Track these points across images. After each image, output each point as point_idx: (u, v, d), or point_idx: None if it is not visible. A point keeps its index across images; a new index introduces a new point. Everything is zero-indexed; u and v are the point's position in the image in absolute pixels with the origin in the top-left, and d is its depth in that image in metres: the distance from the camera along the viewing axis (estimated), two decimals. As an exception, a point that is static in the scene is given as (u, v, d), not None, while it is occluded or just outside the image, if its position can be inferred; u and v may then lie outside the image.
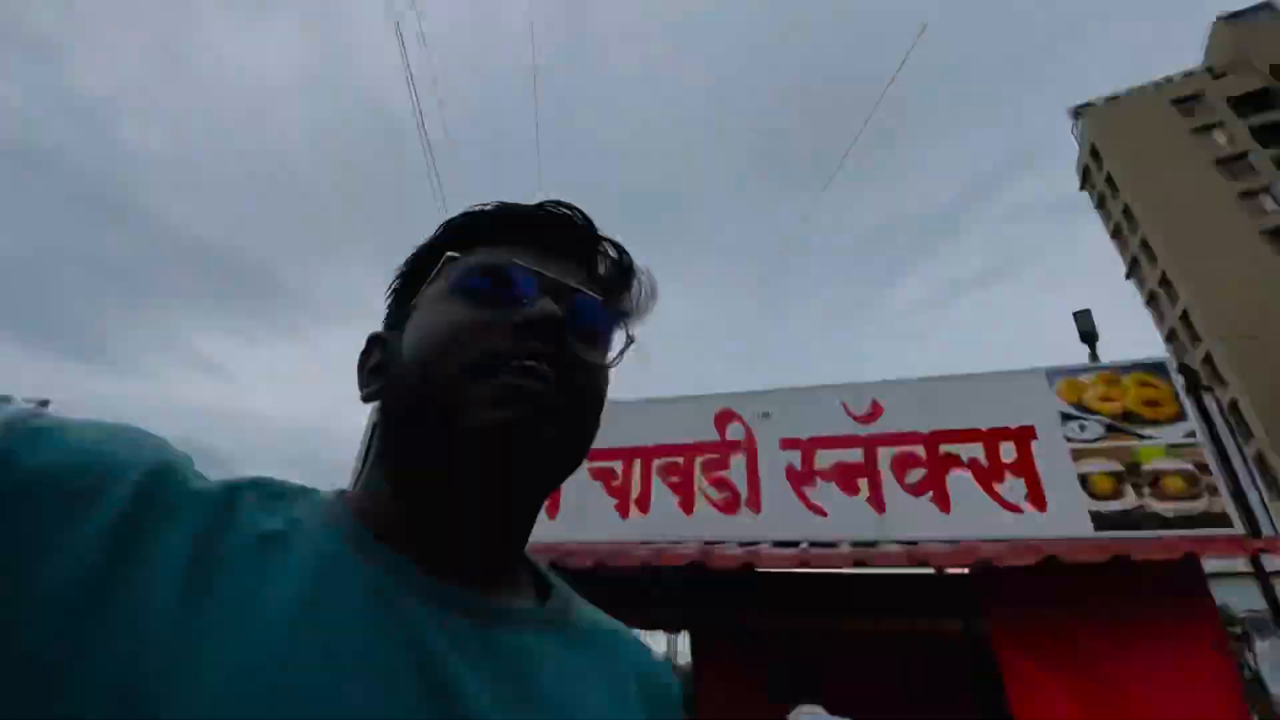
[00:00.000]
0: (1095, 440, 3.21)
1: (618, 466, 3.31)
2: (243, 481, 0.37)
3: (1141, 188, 32.70)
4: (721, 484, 3.24)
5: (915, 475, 3.21)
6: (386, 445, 0.41)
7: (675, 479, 3.28)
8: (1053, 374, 3.44)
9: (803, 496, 3.14)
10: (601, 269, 0.48)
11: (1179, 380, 3.23)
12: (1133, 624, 2.55)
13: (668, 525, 3.13)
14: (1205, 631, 2.51)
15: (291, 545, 0.34)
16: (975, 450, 3.27)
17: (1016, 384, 3.45)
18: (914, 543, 2.88)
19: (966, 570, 2.72)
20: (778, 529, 3.07)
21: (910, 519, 3.06)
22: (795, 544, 2.96)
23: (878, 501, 3.15)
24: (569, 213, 0.45)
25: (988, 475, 3.18)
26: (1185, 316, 30.13)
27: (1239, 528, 2.74)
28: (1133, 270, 35.90)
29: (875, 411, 3.42)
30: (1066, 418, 3.29)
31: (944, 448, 3.29)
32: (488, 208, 0.45)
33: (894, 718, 3.05)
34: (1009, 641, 2.58)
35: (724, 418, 3.46)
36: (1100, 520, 2.98)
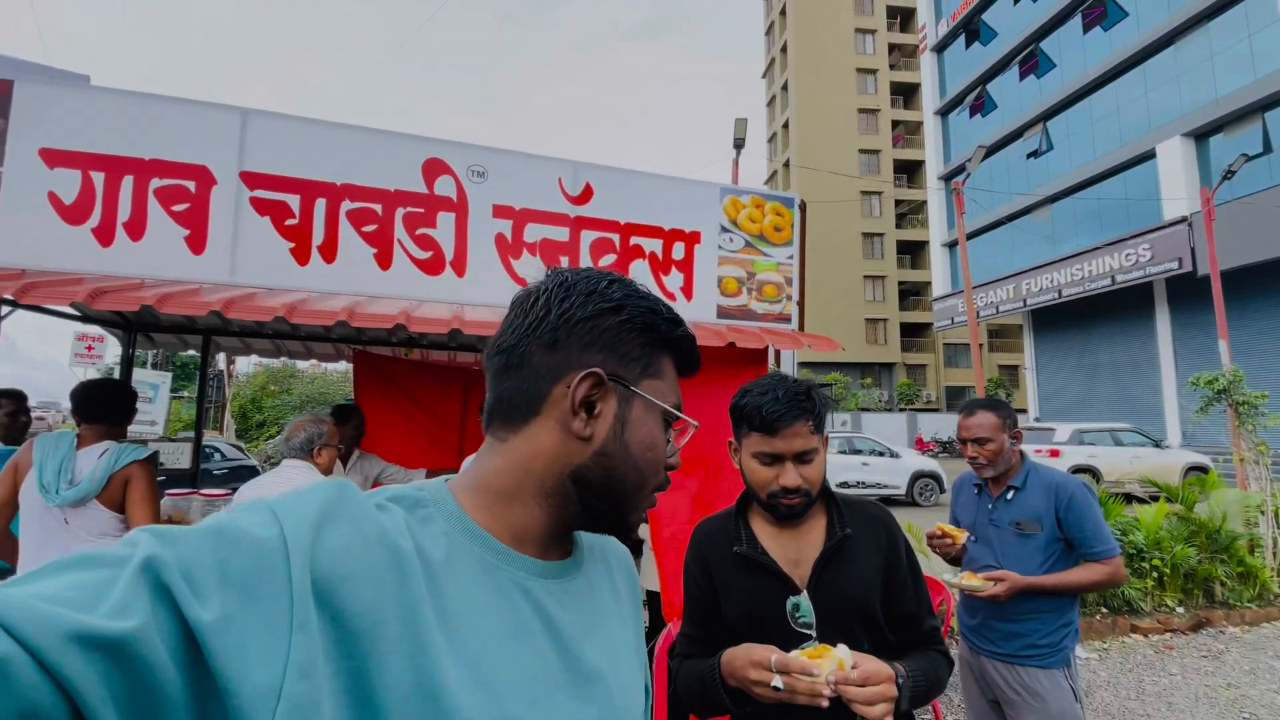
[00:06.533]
0: (735, 251, 4.06)
1: (294, 203, 2.69)
2: (390, 504, 0.52)
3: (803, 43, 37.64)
4: (426, 242, 3.00)
5: (608, 260, 3.57)
6: (561, 484, 0.57)
7: (371, 228, 2.87)
8: (724, 191, 4.08)
9: (509, 267, 3.18)
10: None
11: (797, 216, 4.24)
12: (723, 372, 3.60)
13: (360, 279, 2.81)
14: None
15: (455, 558, 0.51)
16: (656, 245, 3.77)
17: (697, 192, 3.99)
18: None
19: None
20: (482, 294, 3.10)
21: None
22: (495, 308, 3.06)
23: (573, 279, 3.43)
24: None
25: (661, 267, 3.76)
26: (787, 165, 38.04)
27: (795, 325, 4.03)
28: (771, 85, 42.49)
29: (587, 193, 3.54)
30: (723, 229, 4.03)
31: (634, 239, 3.70)
32: (684, 336, 0.64)
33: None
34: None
35: (434, 169, 3.08)
36: (721, 311, 3.94)
